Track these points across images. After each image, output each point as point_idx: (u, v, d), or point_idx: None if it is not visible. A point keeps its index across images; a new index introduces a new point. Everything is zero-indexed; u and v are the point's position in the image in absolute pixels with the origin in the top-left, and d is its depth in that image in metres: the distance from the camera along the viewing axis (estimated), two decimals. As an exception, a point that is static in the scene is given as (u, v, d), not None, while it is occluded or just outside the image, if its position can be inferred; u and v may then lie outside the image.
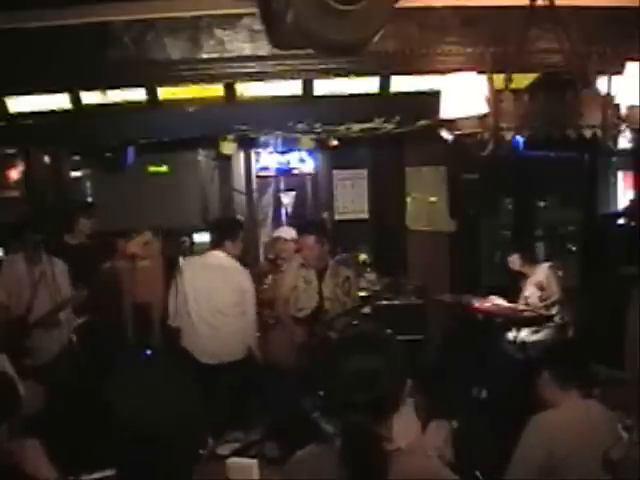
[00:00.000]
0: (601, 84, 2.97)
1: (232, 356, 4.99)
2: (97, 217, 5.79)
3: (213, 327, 4.95)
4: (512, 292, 6.17)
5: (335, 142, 7.08)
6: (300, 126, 5.77)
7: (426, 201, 7.52)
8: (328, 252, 5.30)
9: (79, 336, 5.20)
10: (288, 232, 6.29)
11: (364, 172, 7.78)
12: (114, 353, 5.52)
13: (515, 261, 6.01)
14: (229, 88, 4.38)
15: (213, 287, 4.96)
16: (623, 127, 3.00)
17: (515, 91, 3.04)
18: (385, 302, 6.79)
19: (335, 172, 7.80)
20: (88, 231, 5.69)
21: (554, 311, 5.79)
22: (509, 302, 6.09)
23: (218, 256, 5.03)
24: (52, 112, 4.39)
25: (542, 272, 5.87)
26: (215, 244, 5.11)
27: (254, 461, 3.17)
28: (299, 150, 7.52)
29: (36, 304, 4.84)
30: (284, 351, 5.25)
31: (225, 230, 5.13)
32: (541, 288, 5.83)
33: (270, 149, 7.52)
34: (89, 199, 7.21)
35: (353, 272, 5.46)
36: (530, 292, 5.93)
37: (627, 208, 7.04)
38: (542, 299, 5.81)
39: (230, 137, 6.76)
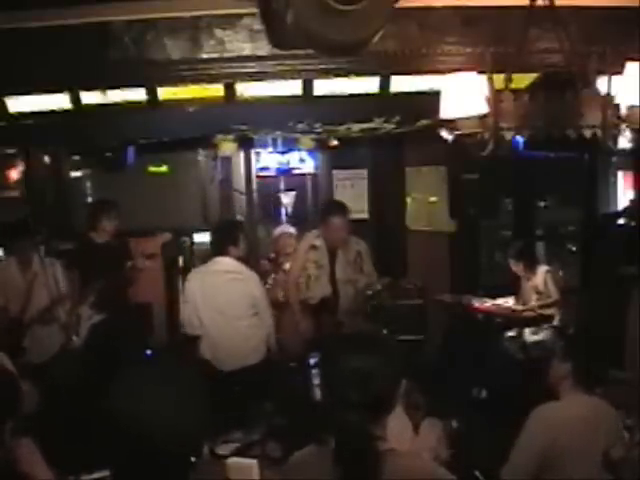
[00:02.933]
0: (601, 84, 2.97)
1: (249, 360, 4.91)
2: (119, 217, 5.67)
3: (228, 333, 4.87)
4: (515, 291, 6.18)
5: (335, 142, 7.08)
6: (300, 126, 5.77)
7: (426, 201, 7.52)
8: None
9: (91, 335, 5.19)
10: (289, 228, 6.32)
11: (364, 172, 7.77)
12: (122, 352, 5.51)
13: (514, 265, 6.00)
14: (229, 88, 4.38)
15: (223, 294, 4.87)
16: (623, 127, 3.00)
17: (515, 91, 3.04)
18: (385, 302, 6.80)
19: (335, 172, 7.79)
20: (112, 231, 5.60)
21: (552, 312, 5.80)
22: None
23: (224, 262, 4.95)
24: (52, 112, 4.38)
25: (539, 276, 5.86)
26: (218, 250, 5.02)
27: (254, 461, 3.17)
28: (299, 150, 7.52)
29: (32, 305, 4.86)
30: (292, 340, 5.19)
31: (226, 235, 5.05)
32: (538, 292, 5.84)
33: (270, 149, 7.53)
34: (89, 199, 7.22)
35: (365, 246, 5.30)
36: (527, 295, 5.94)
37: (627, 208, 7.03)
38: (539, 302, 5.82)
39: (230, 137, 6.76)
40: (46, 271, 4.89)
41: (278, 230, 6.36)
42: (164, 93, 4.37)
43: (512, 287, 6.38)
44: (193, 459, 1.55)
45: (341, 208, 5.20)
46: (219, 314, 4.87)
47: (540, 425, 2.90)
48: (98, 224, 5.53)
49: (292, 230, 6.25)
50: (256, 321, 4.97)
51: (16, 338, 4.73)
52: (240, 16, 3.55)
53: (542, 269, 5.90)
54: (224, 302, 4.88)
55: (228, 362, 4.84)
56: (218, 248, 5.02)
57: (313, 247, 5.14)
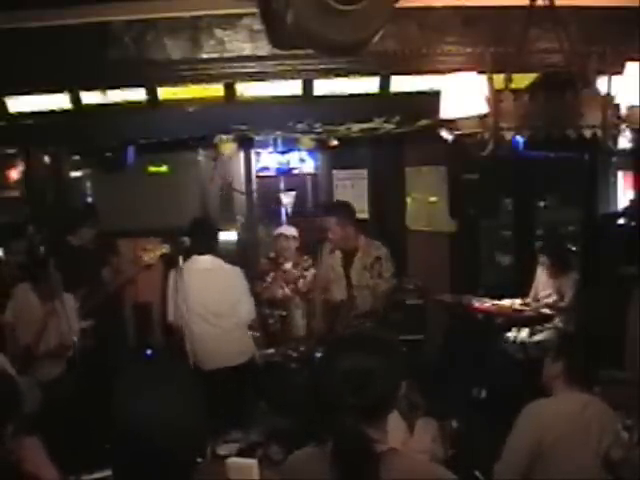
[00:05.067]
0: (601, 84, 2.97)
1: (235, 360, 4.89)
2: (99, 224, 5.70)
3: (214, 331, 4.83)
4: (516, 291, 6.19)
5: (335, 142, 7.07)
6: (300, 126, 5.77)
7: (426, 201, 7.52)
8: (355, 234, 5.14)
9: (82, 339, 5.15)
10: (289, 229, 6.33)
11: (364, 172, 7.77)
12: (116, 354, 5.50)
13: (545, 262, 6.01)
14: (229, 88, 4.37)
15: (210, 290, 4.84)
16: (623, 127, 3.00)
17: (515, 91, 3.03)
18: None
19: (335, 172, 7.79)
20: (90, 239, 5.61)
21: (553, 313, 5.81)
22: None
23: (203, 260, 4.92)
24: (52, 112, 4.38)
25: (568, 281, 5.89)
26: (196, 250, 4.94)
27: (254, 461, 3.17)
28: (299, 150, 7.53)
29: (44, 339, 4.67)
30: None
31: (204, 236, 5.02)
32: (560, 294, 5.86)
33: (270, 149, 7.53)
34: (89, 199, 7.22)
35: (386, 252, 5.17)
36: (547, 293, 5.94)
37: (627, 208, 7.03)
38: (555, 302, 5.84)
39: (230, 137, 6.76)
40: (65, 307, 4.66)
41: (278, 230, 6.39)
42: (164, 93, 4.36)
43: (512, 287, 6.38)
44: (199, 460, 1.55)
45: (332, 209, 5.31)
46: (205, 310, 4.82)
47: (529, 421, 2.91)
48: (77, 230, 5.53)
49: (292, 231, 6.26)
50: (239, 322, 4.94)
51: (25, 367, 4.61)
52: (240, 16, 3.55)
53: (572, 275, 5.93)
54: (210, 298, 4.83)
55: (211, 361, 4.74)
56: (196, 248, 4.95)
57: (332, 251, 5.21)
